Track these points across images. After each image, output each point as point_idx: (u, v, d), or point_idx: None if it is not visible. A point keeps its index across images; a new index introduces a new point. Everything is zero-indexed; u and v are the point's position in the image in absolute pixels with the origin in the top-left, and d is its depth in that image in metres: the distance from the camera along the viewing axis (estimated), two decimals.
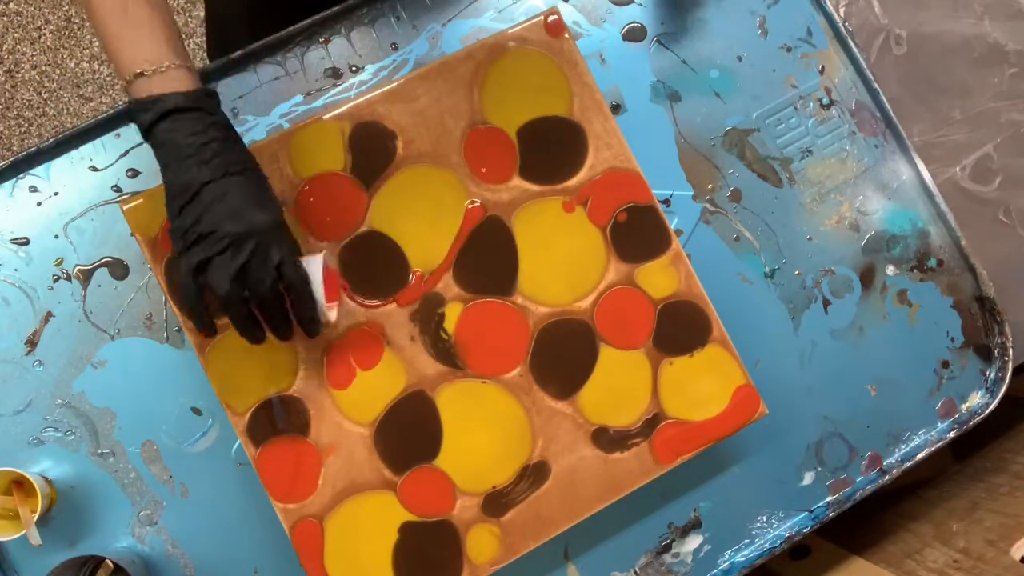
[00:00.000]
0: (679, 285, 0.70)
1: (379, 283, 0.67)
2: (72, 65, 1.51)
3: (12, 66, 1.50)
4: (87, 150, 0.72)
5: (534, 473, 0.67)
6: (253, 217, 0.55)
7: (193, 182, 0.54)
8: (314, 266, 0.60)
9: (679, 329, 0.70)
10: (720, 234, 0.78)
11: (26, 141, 1.50)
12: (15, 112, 1.50)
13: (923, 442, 0.78)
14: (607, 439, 0.68)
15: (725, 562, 0.75)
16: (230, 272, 0.55)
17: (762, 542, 0.76)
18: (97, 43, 1.51)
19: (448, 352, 0.67)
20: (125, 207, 0.65)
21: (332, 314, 0.62)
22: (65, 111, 1.51)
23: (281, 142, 0.67)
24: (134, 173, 0.73)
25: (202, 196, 0.54)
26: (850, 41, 0.80)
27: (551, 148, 0.70)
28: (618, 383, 0.69)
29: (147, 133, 0.55)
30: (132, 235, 0.66)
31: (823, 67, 0.81)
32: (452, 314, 0.68)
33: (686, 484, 0.75)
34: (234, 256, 0.55)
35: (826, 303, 0.79)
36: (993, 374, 0.80)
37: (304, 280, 0.59)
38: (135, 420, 0.70)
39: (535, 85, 0.70)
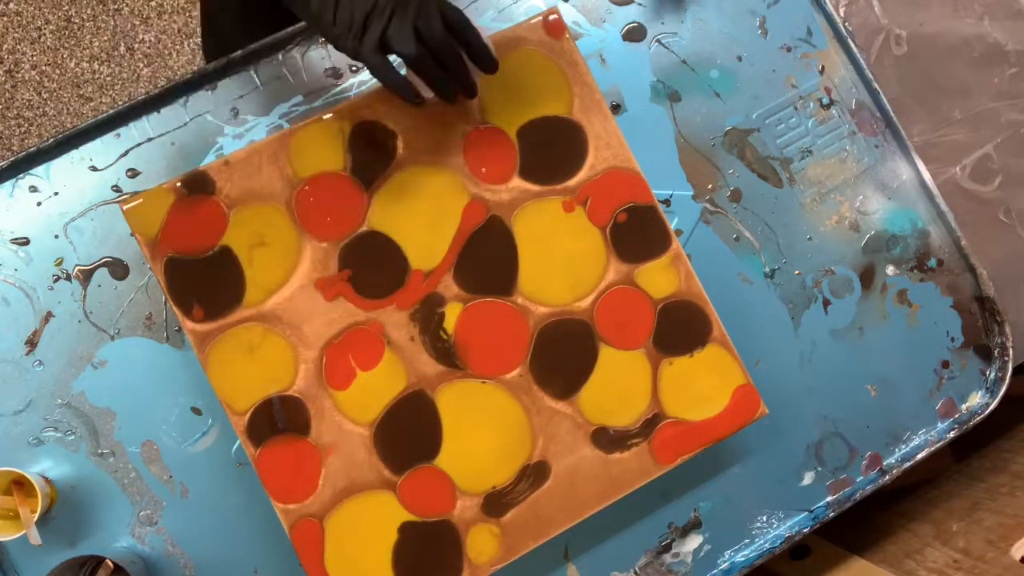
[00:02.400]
0: (679, 285, 0.70)
1: (379, 283, 0.67)
2: (72, 65, 1.51)
3: (12, 66, 1.50)
4: (87, 150, 0.72)
5: (534, 473, 0.67)
6: None
7: None
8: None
9: (679, 329, 0.70)
10: (720, 234, 0.78)
11: (26, 141, 1.50)
12: (15, 112, 1.50)
13: (923, 442, 0.78)
14: (607, 439, 0.68)
15: (725, 562, 0.75)
16: (408, 31, 0.56)
17: (762, 542, 0.76)
18: (97, 43, 1.51)
19: (448, 352, 0.67)
20: (125, 207, 0.65)
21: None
22: (65, 111, 1.51)
23: (281, 142, 0.67)
24: (134, 173, 0.73)
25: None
26: (850, 41, 0.80)
27: (551, 148, 0.70)
28: (618, 383, 0.69)
29: None
30: (132, 235, 0.66)
31: (823, 67, 0.81)
32: (452, 314, 0.68)
33: (686, 484, 0.75)
34: (404, 15, 0.56)
35: (826, 303, 0.79)
36: (993, 374, 0.80)
37: (464, 16, 0.60)
38: (135, 420, 0.70)
39: (535, 85, 0.70)
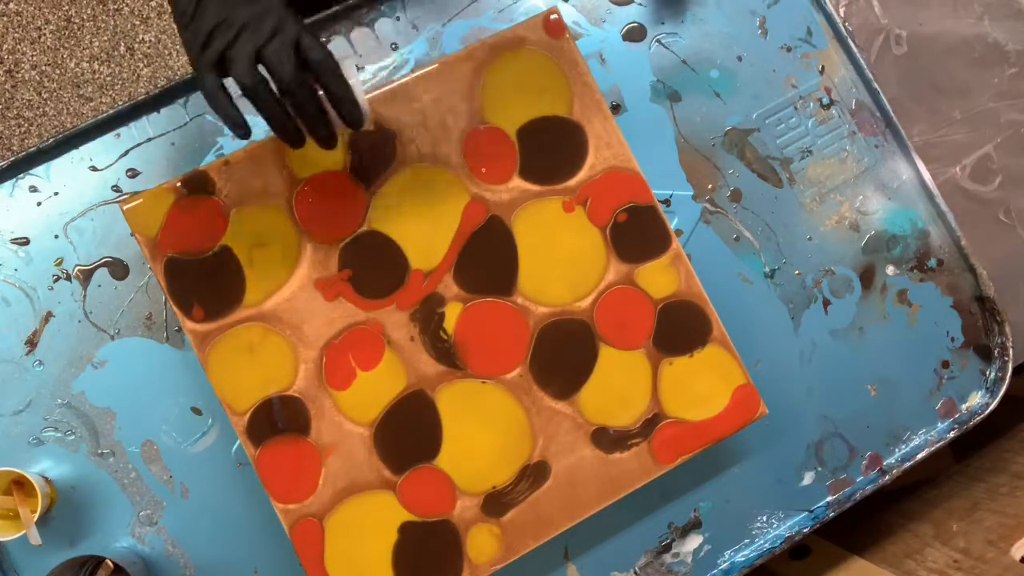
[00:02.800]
0: (679, 285, 0.70)
1: (379, 283, 0.67)
2: (72, 65, 1.51)
3: (12, 66, 1.50)
4: (87, 150, 0.72)
5: (534, 473, 0.67)
6: (273, 1, 0.51)
7: None
8: (346, 64, 0.55)
9: (679, 329, 0.70)
10: (720, 234, 0.78)
11: (26, 141, 1.50)
12: (15, 112, 1.50)
13: (923, 442, 0.78)
14: (607, 439, 0.68)
15: (725, 562, 0.75)
16: (248, 55, 0.50)
17: (762, 542, 0.76)
18: (97, 43, 1.51)
19: (448, 352, 0.67)
20: (125, 207, 0.65)
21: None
22: (65, 111, 1.51)
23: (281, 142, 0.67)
24: (134, 173, 0.73)
25: (204, 1, 0.51)
26: (850, 41, 0.80)
27: (551, 148, 0.70)
28: (618, 383, 0.69)
29: None
30: (132, 235, 0.66)
31: (823, 67, 0.81)
32: (452, 314, 0.68)
33: (686, 484, 0.75)
34: (249, 40, 0.50)
35: (826, 303, 0.79)
36: (993, 374, 0.80)
37: (330, 62, 0.53)
38: (135, 420, 0.70)
39: (535, 85, 0.70)
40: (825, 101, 0.81)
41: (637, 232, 0.70)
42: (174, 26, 1.53)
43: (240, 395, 0.65)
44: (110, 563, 0.66)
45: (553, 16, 0.70)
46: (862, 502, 0.76)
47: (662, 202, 0.78)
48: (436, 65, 0.69)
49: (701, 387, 0.69)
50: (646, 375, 0.69)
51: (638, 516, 0.74)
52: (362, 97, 0.56)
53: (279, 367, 0.66)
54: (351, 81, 0.55)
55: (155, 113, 0.73)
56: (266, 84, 0.52)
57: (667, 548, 0.75)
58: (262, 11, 0.51)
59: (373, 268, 0.67)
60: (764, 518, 0.76)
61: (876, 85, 0.80)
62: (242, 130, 0.54)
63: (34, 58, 1.50)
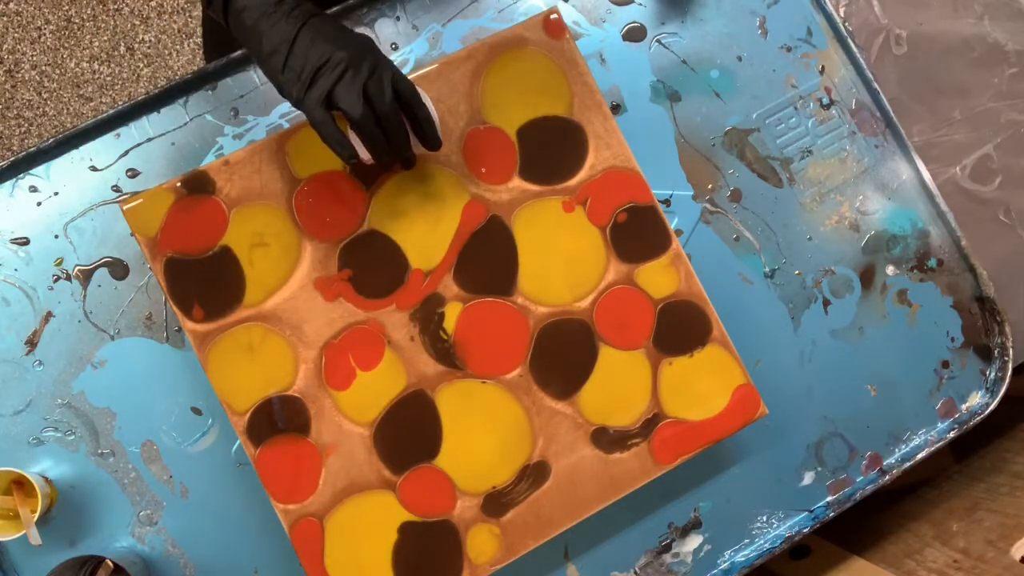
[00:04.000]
0: (679, 285, 0.70)
1: (379, 283, 0.67)
2: (72, 65, 1.51)
3: (12, 66, 1.50)
4: (87, 150, 0.72)
5: (534, 473, 0.67)
6: (356, 39, 0.58)
7: (287, 33, 0.57)
8: (423, 95, 0.62)
9: (679, 329, 0.70)
10: (720, 234, 0.78)
11: (26, 141, 1.50)
12: (15, 112, 1.50)
13: (923, 442, 0.78)
14: (607, 439, 0.68)
15: (725, 562, 0.75)
16: (357, 90, 0.57)
17: (762, 542, 0.76)
18: (97, 43, 1.51)
19: (448, 352, 0.67)
20: (125, 207, 0.65)
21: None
22: (65, 111, 1.51)
23: (281, 142, 0.67)
24: (134, 173, 0.73)
25: (300, 40, 0.57)
26: (850, 41, 0.80)
27: (551, 148, 0.70)
28: (618, 383, 0.69)
29: (225, 15, 0.59)
30: (132, 235, 0.66)
31: (823, 67, 0.81)
32: (452, 314, 0.68)
33: (686, 484, 0.75)
34: (355, 76, 0.57)
35: (826, 303, 0.79)
36: (993, 374, 0.80)
37: (415, 91, 0.61)
38: (135, 420, 0.70)
39: (535, 85, 0.70)
40: (825, 101, 0.81)
41: (637, 232, 0.70)
42: (174, 26, 1.53)
43: (240, 395, 0.65)
44: (110, 563, 0.66)
45: (553, 16, 0.70)
46: (862, 502, 0.76)
47: (662, 202, 0.78)
48: (436, 65, 0.69)
49: (701, 387, 0.69)
50: (646, 375, 0.69)
51: (638, 516, 0.74)
52: (437, 122, 0.63)
53: (279, 367, 0.66)
54: (429, 108, 0.63)
55: (155, 113, 0.73)
56: (371, 116, 0.58)
57: (667, 548, 0.75)
58: (362, 51, 0.58)
59: (373, 268, 0.67)
60: (764, 518, 0.76)
61: (876, 85, 0.80)
62: (355, 158, 0.60)
63: (34, 58, 1.50)
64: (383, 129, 0.59)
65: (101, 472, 0.70)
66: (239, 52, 0.73)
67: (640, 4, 0.80)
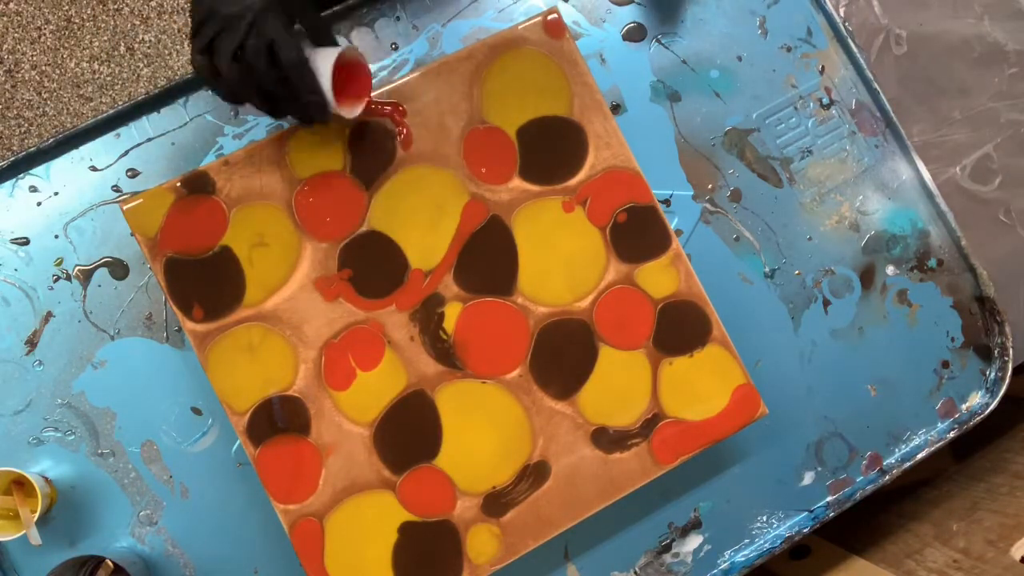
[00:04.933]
0: (679, 285, 0.70)
1: (379, 283, 0.67)
2: (72, 65, 1.51)
3: (12, 66, 1.50)
4: (87, 150, 0.72)
5: (534, 473, 0.67)
6: (248, 3, 0.58)
7: None
8: (323, 57, 0.60)
9: (679, 329, 0.70)
10: (720, 234, 0.78)
11: (26, 141, 1.50)
12: (15, 112, 1.50)
13: (923, 442, 0.78)
14: (607, 439, 0.68)
15: (725, 562, 0.75)
16: (230, 50, 0.57)
17: (762, 542, 0.76)
18: (97, 43, 1.51)
19: (448, 352, 0.67)
20: (125, 207, 0.65)
21: (353, 111, 0.62)
22: (65, 111, 1.51)
23: (281, 142, 0.67)
24: (134, 173, 0.73)
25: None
26: (850, 41, 0.80)
27: (551, 148, 0.70)
28: (618, 383, 0.69)
29: None
30: (132, 235, 0.66)
31: (823, 67, 0.81)
32: (452, 314, 0.68)
33: (686, 484, 0.75)
34: (231, 35, 0.58)
35: (826, 303, 0.79)
36: (993, 374, 0.80)
37: (297, 62, 0.59)
38: (135, 420, 0.70)
39: (535, 85, 0.70)
40: (825, 101, 0.81)
41: (637, 232, 0.70)
42: (174, 26, 1.53)
43: (240, 395, 0.65)
44: (110, 563, 0.66)
45: (553, 16, 0.70)
46: (862, 502, 0.76)
47: (662, 202, 0.78)
48: (436, 65, 0.69)
49: (701, 387, 0.69)
50: (646, 375, 0.69)
51: (638, 516, 0.74)
52: (329, 96, 0.60)
53: (279, 367, 0.66)
54: (322, 80, 0.59)
55: (155, 113, 0.73)
56: (248, 77, 0.58)
57: (667, 548, 0.75)
58: (239, 12, 0.58)
59: (373, 268, 0.67)
60: (764, 518, 0.76)
61: (876, 85, 0.80)
62: (223, 93, 0.60)
63: (34, 58, 1.50)
64: (265, 91, 0.60)
65: (101, 472, 0.70)
66: None
67: (640, 4, 0.80)
